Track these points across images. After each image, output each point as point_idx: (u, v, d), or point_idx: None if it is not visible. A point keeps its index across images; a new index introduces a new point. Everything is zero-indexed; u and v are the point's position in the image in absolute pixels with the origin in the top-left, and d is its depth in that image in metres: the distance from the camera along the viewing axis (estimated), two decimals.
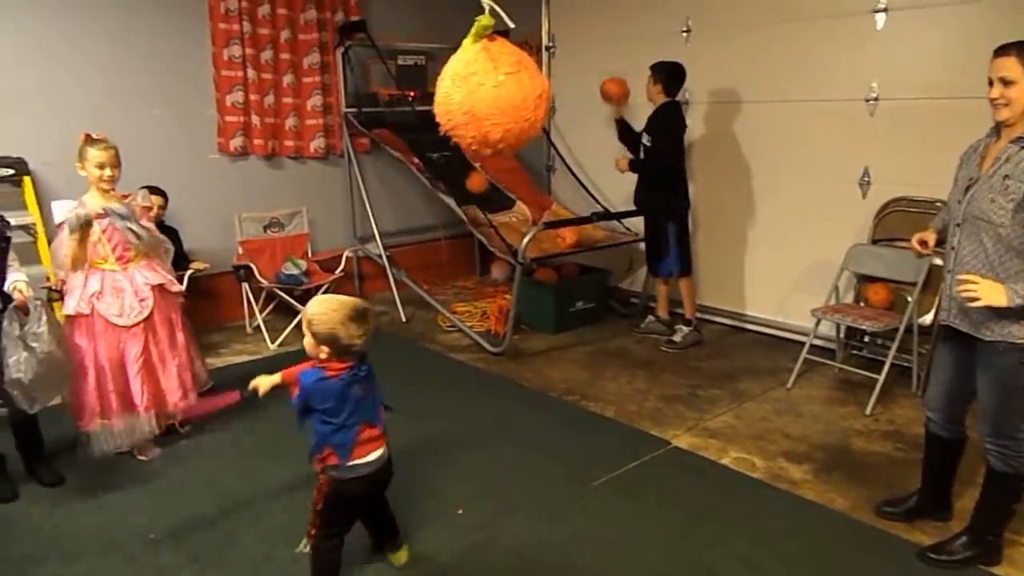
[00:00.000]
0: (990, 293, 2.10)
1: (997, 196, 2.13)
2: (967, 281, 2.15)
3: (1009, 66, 2.10)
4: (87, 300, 3.08)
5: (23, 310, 2.64)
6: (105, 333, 3.10)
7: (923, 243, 2.59)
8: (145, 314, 3.17)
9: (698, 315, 4.74)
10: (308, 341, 2.07)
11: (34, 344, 2.57)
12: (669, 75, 4.32)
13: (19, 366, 2.55)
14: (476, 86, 2.44)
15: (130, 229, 3.13)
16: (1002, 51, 2.13)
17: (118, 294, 3.13)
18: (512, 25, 2.48)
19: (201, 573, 2.43)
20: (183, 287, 4.17)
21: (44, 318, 2.63)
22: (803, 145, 4.37)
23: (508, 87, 2.45)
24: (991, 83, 2.15)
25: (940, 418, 2.48)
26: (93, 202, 3.13)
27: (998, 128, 2.23)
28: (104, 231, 3.12)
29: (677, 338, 4.55)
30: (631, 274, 5.55)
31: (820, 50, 4.19)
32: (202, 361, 3.65)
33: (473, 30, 2.42)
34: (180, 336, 3.37)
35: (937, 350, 2.50)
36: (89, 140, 3.07)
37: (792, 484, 2.94)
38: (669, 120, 4.36)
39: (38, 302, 2.67)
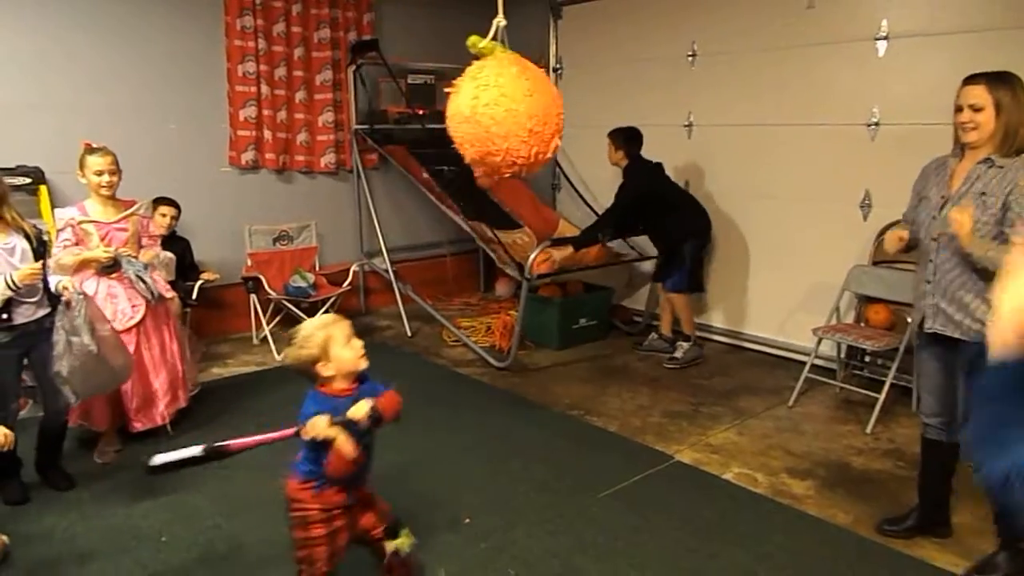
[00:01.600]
0: (968, 237, 2.22)
1: (975, 211, 2.26)
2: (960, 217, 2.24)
3: (978, 93, 2.28)
4: None
5: (68, 305, 2.77)
6: None
7: (900, 239, 2.66)
8: (136, 319, 3.27)
9: (699, 333, 4.79)
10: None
11: (73, 337, 2.71)
12: (628, 139, 4.50)
13: (60, 360, 2.69)
14: None
15: (140, 279, 3.25)
16: (972, 80, 2.31)
17: (111, 300, 3.24)
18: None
19: None
20: (193, 296, 4.27)
21: (83, 311, 2.76)
22: (805, 168, 4.45)
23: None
24: (959, 109, 2.33)
25: (938, 422, 2.54)
26: (93, 209, 3.24)
27: (963, 149, 2.38)
28: (104, 238, 3.22)
29: (678, 354, 4.59)
30: (632, 291, 5.61)
31: (823, 75, 4.29)
32: (194, 365, 3.73)
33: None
34: (174, 344, 3.48)
35: (920, 359, 2.59)
36: (89, 149, 3.20)
37: (794, 499, 2.98)
38: (635, 177, 4.50)
39: (80, 297, 2.80)
